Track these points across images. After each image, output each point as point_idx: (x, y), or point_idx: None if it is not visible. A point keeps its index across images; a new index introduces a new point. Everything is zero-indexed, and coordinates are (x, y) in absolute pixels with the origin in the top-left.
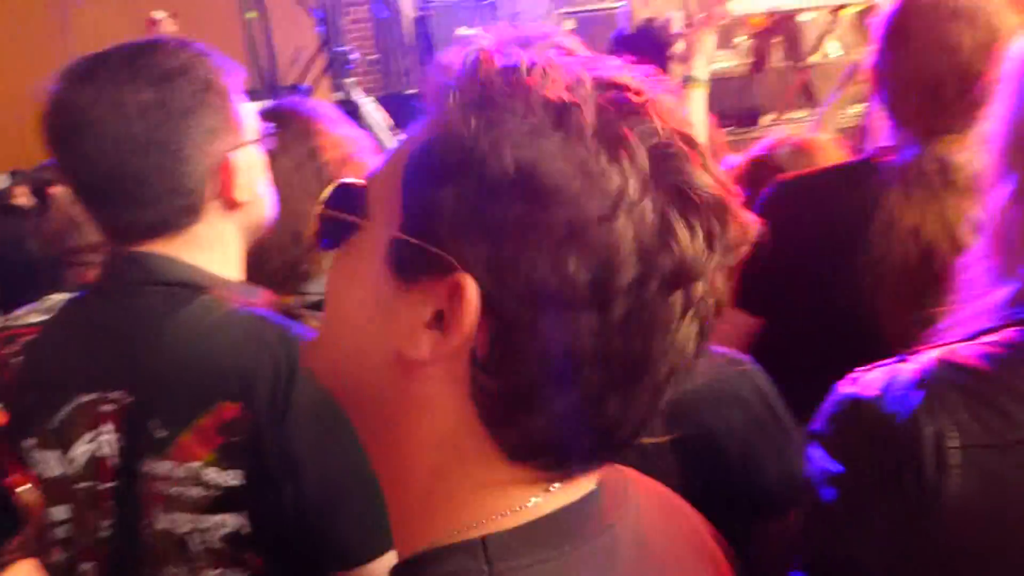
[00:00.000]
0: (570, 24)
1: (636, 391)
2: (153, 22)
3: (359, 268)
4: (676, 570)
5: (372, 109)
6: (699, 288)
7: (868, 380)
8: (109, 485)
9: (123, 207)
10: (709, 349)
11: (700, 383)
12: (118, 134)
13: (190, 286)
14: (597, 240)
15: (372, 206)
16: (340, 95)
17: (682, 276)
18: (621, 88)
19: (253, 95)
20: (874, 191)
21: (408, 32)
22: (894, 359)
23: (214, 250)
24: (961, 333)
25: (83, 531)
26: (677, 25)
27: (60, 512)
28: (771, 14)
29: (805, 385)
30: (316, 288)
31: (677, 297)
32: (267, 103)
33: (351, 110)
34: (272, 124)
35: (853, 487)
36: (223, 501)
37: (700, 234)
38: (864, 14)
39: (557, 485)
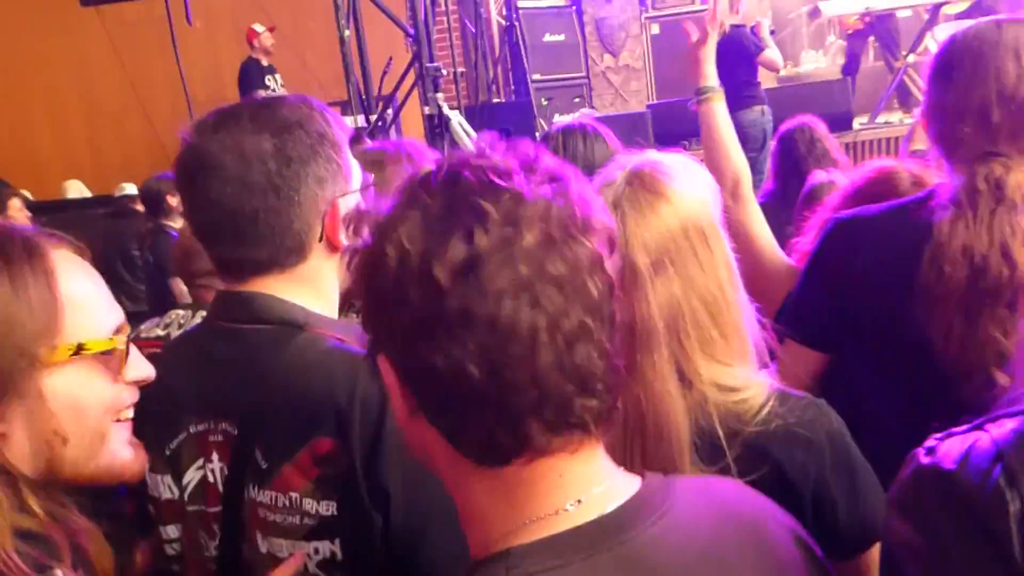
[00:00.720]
0: (655, 29)
1: (497, 374)
2: (255, 34)
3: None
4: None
5: (459, 123)
6: (488, 272)
7: (946, 450)
8: (216, 509)
9: (238, 245)
10: (785, 392)
11: (776, 425)
12: (240, 178)
13: (292, 324)
14: (398, 297)
15: None
16: (430, 109)
17: (456, 281)
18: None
19: (346, 108)
20: (927, 224)
21: (496, 41)
22: (968, 426)
23: (316, 289)
24: None
25: (193, 549)
26: (766, 30)
27: (172, 531)
28: (865, 14)
29: (875, 420)
30: None
31: (469, 294)
32: (360, 117)
33: (440, 124)
34: (375, 171)
35: (937, 561)
36: (319, 529)
37: (459, 243)
38: (968, 12)
39: (581, 500)
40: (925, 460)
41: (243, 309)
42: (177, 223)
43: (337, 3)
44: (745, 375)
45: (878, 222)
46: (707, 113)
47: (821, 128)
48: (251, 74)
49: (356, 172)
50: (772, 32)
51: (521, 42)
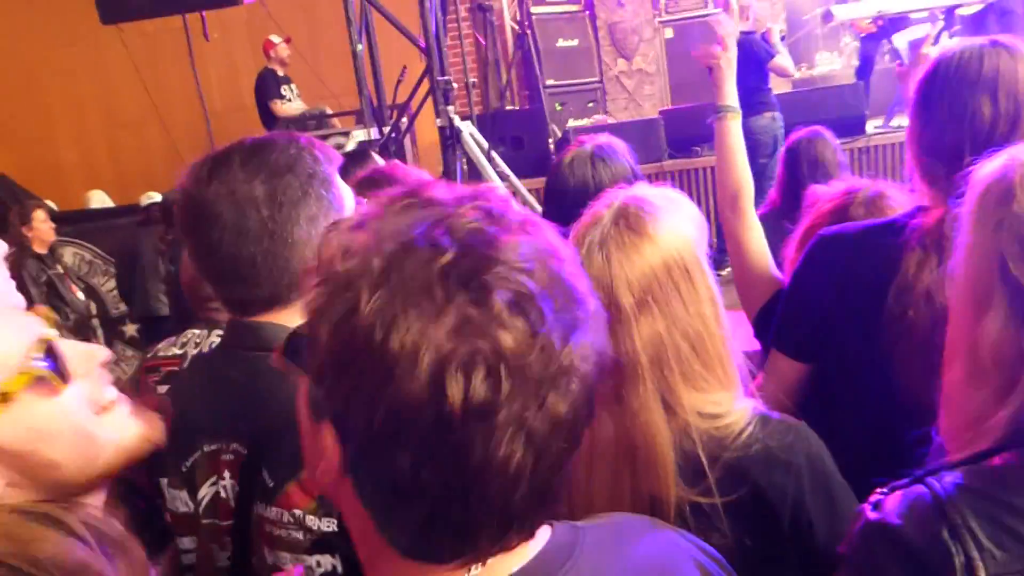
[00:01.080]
0: (668, 33)
1: (470, 502)
2: (272, 44)
3: (301, 408)
4: None
5: (470, 135)
6: (502, 417)
7: (891, 505)
8: (227, 523)
9: (240, 286)
10: (767, 416)
11: (755, 449)
12: (235, 225)
13: None
14: (392, 399)
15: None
16: (441, 122)
17: (469, 417)
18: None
19: (360, 118)
20: (899, 251)
21: (509, 48)
22: (909, 480)
23: None
24: (966, 453)
25: (206, 559)
26: (777, 36)
27: (188, 542)
28: (878, 17)
29: (854, 427)
30: None
31: (477, 431)
32: (373, 129)
33: (452, 136)
34: (368, 194)
35: None
36: (321, 544)
37: (480, 381)
38: (982, 13)
39: (484, 564)
40: (872, 516)
41: (252, 337)
42: None
43: (350, 17)
44: (728, 401)
45: (859, 240)
46: (721, 130)
47: (827, 140)
48: (267, 84)
49: (349, 201)
50: (783, 38)
51: (534, 48)
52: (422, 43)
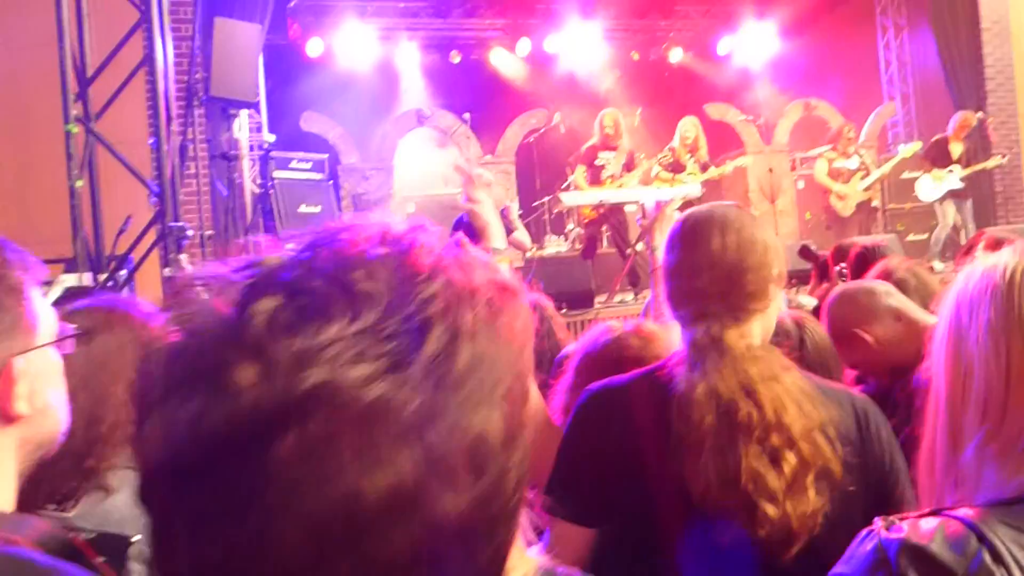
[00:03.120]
0: (411, 207)
1: None
2: None
3: None
4: None
5: None
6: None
7: (910, 528)
8: None
9: None
10: (553, 570)
11: None
12: None
13: None
14: None
15: None
16: (170, 270)
17: None
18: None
19: (73, 265)
20: (671, 384)
21: (248, 207)
22: (919, 513)
23: None
24: (980, 499)
25: None
26: (514, 213)
27: None
28: (599, 205)
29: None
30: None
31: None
32: (87, 275)
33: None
34: (81, 321)
35: None
36: None
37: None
38: (685, 208)
39: None
40: (893, 536)
41: None
42: None
43: (70, 152)
44: (512, 555)
45: (628, 390)
46: None
47: (548, 307)
48: None
49: (46, 322)
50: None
51: (276, 210)
52: (154, 187)
